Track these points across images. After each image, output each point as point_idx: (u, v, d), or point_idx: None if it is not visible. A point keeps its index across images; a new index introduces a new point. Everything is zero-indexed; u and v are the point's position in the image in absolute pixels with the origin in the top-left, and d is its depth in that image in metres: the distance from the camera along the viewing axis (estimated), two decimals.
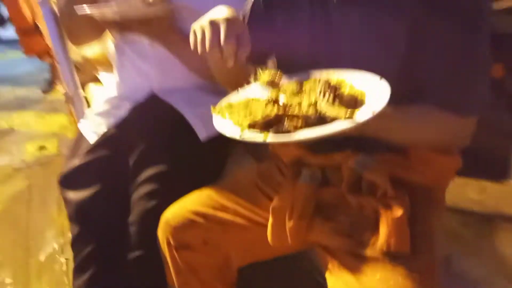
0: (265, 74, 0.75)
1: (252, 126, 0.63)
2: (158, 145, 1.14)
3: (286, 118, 0.62)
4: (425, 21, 0.71)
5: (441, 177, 0.86)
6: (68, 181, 1.12)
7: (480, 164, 2.01)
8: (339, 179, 0.85)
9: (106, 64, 1.91)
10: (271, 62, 0.98)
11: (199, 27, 0.73)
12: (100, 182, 1.11)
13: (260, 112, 0.63)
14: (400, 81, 0.74)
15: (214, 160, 1.21)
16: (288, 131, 0.60)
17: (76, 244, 1.07)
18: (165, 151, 1.13)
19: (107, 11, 1.05)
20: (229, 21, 0.71)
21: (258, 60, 0.93)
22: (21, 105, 3.76)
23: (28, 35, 1.43)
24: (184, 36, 1.14)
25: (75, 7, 1.06)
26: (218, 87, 1.19)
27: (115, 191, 1.11)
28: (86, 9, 1.04)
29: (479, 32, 0.73)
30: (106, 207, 1.09)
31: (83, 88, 2.38)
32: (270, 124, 0.62)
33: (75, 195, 1.10)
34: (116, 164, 1.15)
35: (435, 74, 0.74)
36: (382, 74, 0.69)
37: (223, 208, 0.94)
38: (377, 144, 0.79)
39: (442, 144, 0.81)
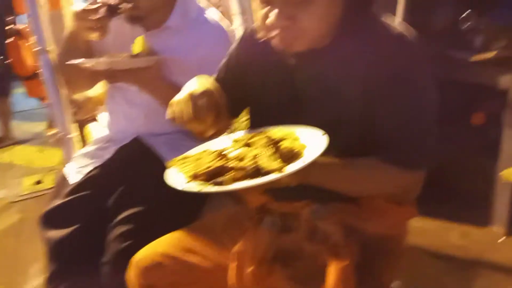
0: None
1: (194, 177, 0.69)
2: (137, 187, 1.20)
3: (226, 170, 0.68)
4: (375, 83, 0.79)
5: (394, 227, 0.90)
6: (49, 220, 1.18)
7: (463, 208, 2.05)
8: (298, 227, 0.90)
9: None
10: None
11: (177, 101, 0.78)
12: (79, 221, 1.16)
13: (205, 164, 0.69)
14: (352, 136, 0.81)
15: (191, 203, 1.25)
16: (226, 183, 0.67)
17: (51, 281, 1.11)
18: (143, 193, 1.18)
19: (98, 63, 1.14)
20: (205, 94, 0.77)
21: (234, 113, 1.01)
22: (24, 140, 3.86)
23: (31, 79, 1.54)
24: (168, 84, 1.23)
25: (71, 60, 1.16)
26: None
27: (93, 231, 1.16)
28: (79, 61, 1.14)
29: (424, 93, 0.80)
30: (83, 247, 1.14)
31: (83, 127, 2.48)
32: (211, 175, 0.68)
33: (54, 234, 1.15)
34: (96, 204, 1.20)
35: (383, 131, 0.80)
36: (337, 129, 0.75)
37: (192, 251, 0.99)
38: (332, 194, 0.85)
39: (392, 195, 0.86)
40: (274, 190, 0.94)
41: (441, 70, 1.10)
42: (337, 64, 0.83)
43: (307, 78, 0.87)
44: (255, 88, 0.96)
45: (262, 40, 0.90)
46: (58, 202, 1.20)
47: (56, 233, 1.15)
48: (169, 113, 0.78)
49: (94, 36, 1.17)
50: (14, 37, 1.55)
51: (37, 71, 1.65)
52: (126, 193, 1.20)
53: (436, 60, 1.03)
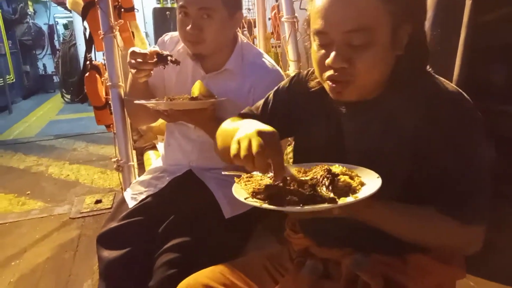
0: None
1: (254, 194, 0.75)
2: (186, 217, 1.26)
3: (284, 192, 0.74)
4: (426, 140, 0.80)
5: (439, 287, 0.87)
6: (104, 240, 1.26)
7: None
8: (338, 274, 0.90)
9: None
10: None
11: (244, 137, 0.75)
12: (130, 245, 1.23)
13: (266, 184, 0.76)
14: (403, 182, 0.82)
15: (235, 237, 1.29)
16: (282, 204, 0.71)
17: None
18: (191, 224, 1.24)
19: (159, 104, 1.24)
20: (273, 133, 0.76)
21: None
22: (89, 160, 4.17)
23: (101, 109, 1.70)
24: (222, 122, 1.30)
25: (135, 99, 1.28)
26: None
27: (143, 256, 1.22)
28: (142, 102, 1.25)
29: (478, 151, 0.79)
30: (132, 270, 1.20)
31: (142, 154, 2.65)
32: (269, 196, 0.74)
33: (108, 254, 1.23)
34: (147, 230, 1.27)
35: (437, 182, 0.80)
36: (387, 175, 0.76)
37: (232, 286, 1.01)
38: (377, 245, 0.85)
39: (446, 249, 0.84)
40: (318, 235, 0.96)
41: (500, 127, 1.07)
42: (387, 117, 0.84)
43: (354, 128, 0.89)
44: (302, 130, 1.00)
45: (314, 84, 0.95)
46: (113, 224, 1.29)
47: (109, 254, 1.23)
48: (233, 149, 0.76)
49: (137, 76, 1.28)
50: (91, 71, 1.73)
51: (107, 103, 1.82)
52: (175, 222, 1.26)
53: (494, 117, 1.01)
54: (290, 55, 1.66)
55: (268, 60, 1.39)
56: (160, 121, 2.20)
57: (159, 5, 6.41)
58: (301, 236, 1.01)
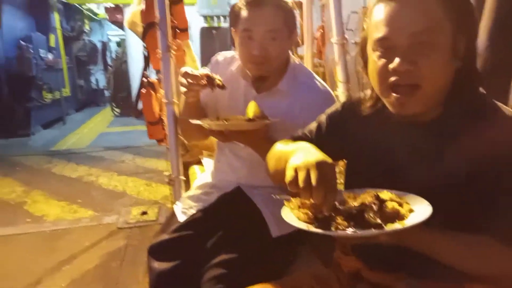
0: None
1: (306, 219, 0.78)
2: (235, 234, 1.28)
3: (331, 217, 0.76)
4: (484, 162, 0.78)
5: None
6: (155, 252, 1.31)
7: None
8: None
9: (212, 150, 2.20)
10: None
11: (293, 167, 0.77)
12: (180, 258, 1.26)
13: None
14: (456, 209, 0.80)
15: (282, 257, 1.30)
16: (329, 228, 0.74)
17: None
18: (239, 241, 1.26)
19: (213, 124, 1.27)
20: (319, 165, 0.75)
21: None
22: (136, 172, 4.33)
23: (154, 125, 1.78)
24: (273, 142, 1.32)
25: (190, 118, 1.32)
26: None
27: (191, 269, 1.25)
28: (197, 122, 1.29)
29: None
30: (181, 282, 1.23)
31: (187, 168, 2.72)
32: (317, 219, 0.77)
33: (158, 265, 1.27)
34: (196, 244, 1.30)
35: (495, 209, 0.78)
36: (440, 201, 0.76)
37: None
38: (430, 271, 0.83)
39: (505, 280, 0.80)
40: (370, 258, 0.95)
41: None
42: (442, 141, 0.84)
43: (408, 152, 0.88)
44: (355, 154, 1.00)
45: (366, 108, 0.95)
46: (164, 237, 1.33)
47: (159, 265, 1.27)
48: (289, 175, 0.77)
49: (186, 95, 1.32)
50: (147, 88, 1.82)
51: (160, 118, 1.90)
52: (223, 238, 1.28)
53: None
54: (339, 76, 1.67)
55: (319, 81, 1.41)
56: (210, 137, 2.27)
57: (206, 25, 6.65)
58: (352, 259, 1.00)
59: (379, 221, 0.73)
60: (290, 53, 1.45)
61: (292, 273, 1.26)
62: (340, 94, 1.66)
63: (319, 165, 0.74)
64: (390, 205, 0.77)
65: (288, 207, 0.85)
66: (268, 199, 1.37)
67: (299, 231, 0.78)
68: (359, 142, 0.99)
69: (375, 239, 0.74)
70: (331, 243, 1.10)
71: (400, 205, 0.78)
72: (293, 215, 0.81)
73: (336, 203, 0.79)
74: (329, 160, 0.78)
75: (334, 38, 1.70)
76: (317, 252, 1.36)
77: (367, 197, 0.80)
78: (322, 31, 2.59)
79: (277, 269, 1.24)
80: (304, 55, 2.37)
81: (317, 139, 1.04)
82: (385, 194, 0.81)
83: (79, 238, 2.82)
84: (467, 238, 0.79)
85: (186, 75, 1.29)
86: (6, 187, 3.99)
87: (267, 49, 1.30)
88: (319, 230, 0.74)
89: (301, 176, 0.74)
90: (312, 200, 0.75)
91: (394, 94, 0.82)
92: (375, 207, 0.76)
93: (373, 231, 0.71)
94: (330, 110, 1.08)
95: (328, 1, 1.77)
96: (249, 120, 1.25)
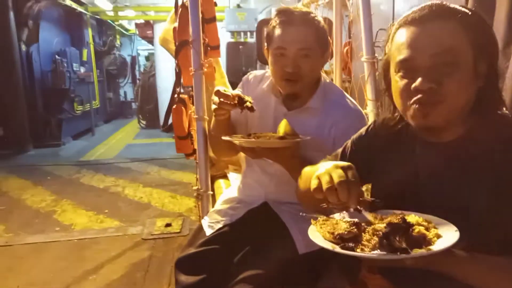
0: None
1: (329, 236, 0.79)
2: (262, 250, 1.29)
3: (357, 238, 0.76)
4: (507, 183, 0.77)
5: None
6: (182, 265, 1.32)
7: None
8: None
9: (237, 165, 2.23)
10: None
11: (325, 171, 0.81)
12: (206, 272, 1.27)
13: (341, 229, 0.78)
14: (483, 230, 0.79)
15: (308, 274, 1.29)
16: (353, 250, 0.74)
17: None
18: (265, 257, 1.26)
19: (245, 142, 1.29)
20: (338, 166, 0.80)
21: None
22: (161, 184, 4.40)
23: (183, 139, 1.82)
24: (302, 159, 1.33)
25: (222, 135, 1.34)
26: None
27: (217, 284, 1.26)
28: (228, 138, 1.31)
29: None
30: None
31: (213, 182, 2.75)
32: (343, 240, 0.77)
33: (185, 279, 1.28)
34: (223, 259, 1.31)
35: None
36: (466, 222, 0.75)
37: None
38: None
39: None
40: (397, 277, 0.94)
41: None
42: (466, 161, 0.84)
43: (432, 172, 0.88)
44: (380, 175, 1.01)
45: (391, 129, 0.96)
46: (192, 250, 1.35)
47: (186, 279, 1.28)
48: (314, 184, 0.81)
49: (216, 113, 1.35)
50: (178, 104, 1.87)
51: (189, 133, 1.94)
52: (250, 254, 1.29)
53: None
54: (369, 94, 1.68)
55: (350, 99, 1.42)
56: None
57: (232, 40, 6.77)
58: (379, 277, 0.99)
59: (404, 245, 0.72)
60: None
61: None
62: (370, 112, 1.66)
63: (338, 167, 0.80)
64: (417, 229, 0.76)
65: (314, 226, 0.86)
66: (295, 215, 1.37)
67: (326, 249, 0.78)
68: (384, 163, 0.99)
69: (400, 263, 0.74)
70: (357, 262, 1.09)
71: (427, 229, 0.77)
72: (319, 234, 0.82)
73: (363, 224, 0.80)
74: (347, 163, 0.82)
75: (364, 57, 1.71)
76: (343, 270, 1.34)
77: (393, 219, 0.80)
78: (349, 47, 2.61)
79: (304, 286, 1.23)
80: (330, 71, 2.39)
81: (347, 157, 1.05)
82: (412, 218, 0.81)
83: (106, 247, 2.88)
84: (498, 261, 0.77)
85: (218, 93, 1.32)
86: (38, 196, 4.13)
87: (299, 66, 1.32)
88: (343, 251, 0.75)
89: (324, 180, 0.79)
90: (339, 199, 0.78)
91: (416, 106, 0.83)
92: (401, 231, 0.76)
93: (398, 255, 0.71)
94: (355, 135, 1.10)
95: (357, 18, 1.79)
96: (280, 137, 1.26)
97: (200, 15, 1.65)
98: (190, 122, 1.79)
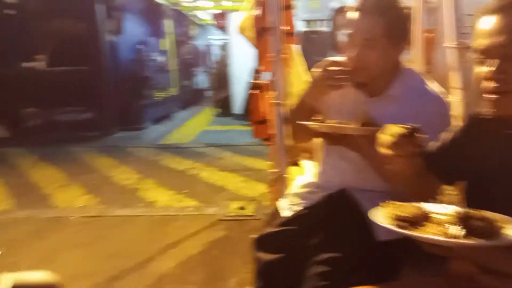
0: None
1: (396, 218, 0.83)
2: (339, 234, 1.31)
3: (423, 222, 0.80)
4: None
5: None
6: (261, 243, 1.40)
7: None
8: None
9: (310, 153, 2.25)
10: None
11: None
12: (285, 251, 1.33)
13: (408, 212, 0.82)
14: None
15: (389, 261, 1.29)
16: (414, 230, 0.78)
17: None
18: (343, 241, 1.28)
19: (324, 126, 1.31)
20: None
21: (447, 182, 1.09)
22: (235, 169, 4.57)
23: (260, 124, 1.89)
24: None
25: (301, 121, 1.38)
26: (404, 195, 1.30)
27: (295, 263, 1.31)
28: (308, 123, 1.33)
29: None
30: (285, 274, 1.30)
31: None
32: (409, 222, 0.80)
33: (264, 256, 1.36)
34: (300, 240, 1.36)
35: None
36: None
37: None
38: None
39: None
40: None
41: None
42: None
43: None
44: (474, 170, 0.99)
45: (487, 120, 0.94)
46: (270, 230, 1.42)
47: (265, 256, 1.35)
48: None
49: (336, 84, 1.35)
50: (257, 89, 1.93)
51: (266, 118, 2.00)
52: (328, 237, 1.32)
53: None
54: (454, 82, 1.59)
55: (433, 86, 1.37)
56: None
57: (306, 28, 6.71)
58: (466, 263, 0.97)
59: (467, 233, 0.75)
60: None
61: (400, 279, 1.25)
62: (453, 100, 1.58)
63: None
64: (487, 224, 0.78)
65: (384, 209, 0.91)
66: (372, 203, 1.37)
67: (410, 237, 0.80)
68: (479, 159, 0.98)
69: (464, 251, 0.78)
70: (443, 252, 1.07)
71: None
72: (383, 216, 0.86)
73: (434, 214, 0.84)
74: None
75: (447, 43, 1.63)
76: (429, 259, 1.32)
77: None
78: (429, 34, 2.47)
79: (384, 273, 1.24)
80: (410, 60, 2.28)
81: (444, 150, 1.08)
82: (493, 215, 0.82)
83: (185, 225, 3.08)
84: None
85: (336, 63, 1.34)
86: (124, 174, 4.51)
87: (362, 57, 1.31)
88: (402, 231, 0.79)
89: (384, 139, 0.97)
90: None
91: (487, 95, 0.88)
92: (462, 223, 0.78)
93: (459, 240, 0.74)
94: (453, 128, 1.11)
95: (440, 4, 1.70)
96: (362, 125, 1.26)
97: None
98: (267, 107, 1.85)
